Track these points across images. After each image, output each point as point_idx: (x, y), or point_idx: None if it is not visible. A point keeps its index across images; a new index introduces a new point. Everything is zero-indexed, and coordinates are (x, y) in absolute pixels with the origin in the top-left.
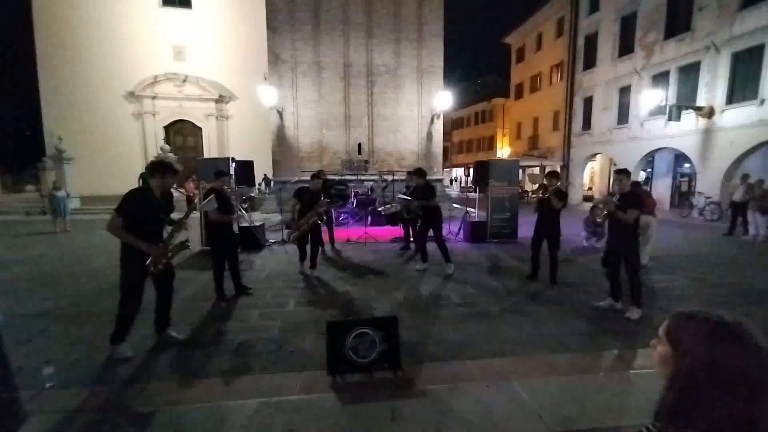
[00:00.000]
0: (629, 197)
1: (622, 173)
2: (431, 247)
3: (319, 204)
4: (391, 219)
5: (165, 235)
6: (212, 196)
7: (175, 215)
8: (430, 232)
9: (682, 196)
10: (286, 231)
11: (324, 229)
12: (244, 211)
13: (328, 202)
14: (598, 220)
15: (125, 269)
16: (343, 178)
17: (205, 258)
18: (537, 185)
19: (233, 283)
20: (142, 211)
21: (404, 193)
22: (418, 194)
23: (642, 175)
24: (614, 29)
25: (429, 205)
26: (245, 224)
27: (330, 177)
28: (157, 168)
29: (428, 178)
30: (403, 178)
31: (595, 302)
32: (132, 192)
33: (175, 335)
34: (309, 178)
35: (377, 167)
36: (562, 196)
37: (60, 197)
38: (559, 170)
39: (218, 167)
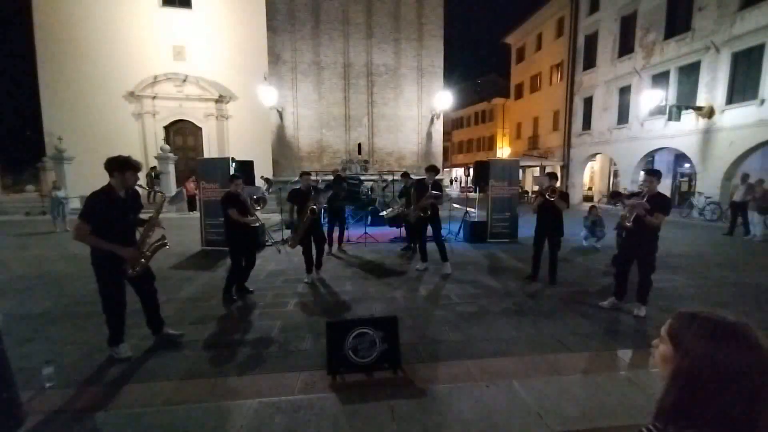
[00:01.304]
0: (658, 200)
1: (653, 174)
2: (431, 247)
3: (311, 199)
4: (395, 221)
5: (138, 235)
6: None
7: (144, 215)
8: (428, 232)
9: (682, 196)
10: (287, 231)
11: (334, 228)
12: (257, 212)
13: (315, 196)
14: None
15: (100, 275)
16: (357, 174)
17: (205, 258)
18: (545, 186)
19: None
20: (108, 212)
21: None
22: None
23: (642, 175)
24: (614, 29)
25: (437, 203)
26: (256, 224)
27: (347, 174)
28: (113, 165)
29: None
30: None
31: (598, 301)
32: (94, 194)
33: (173, 333)
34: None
35: (377, 167)
36: (566, 197)
37: (60, 197)
38: (558, 171)
39: (218, 167)
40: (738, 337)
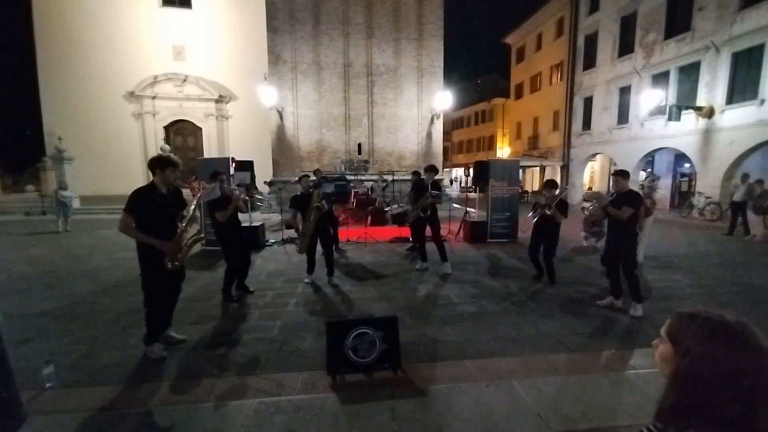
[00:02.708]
0: (627, 196)
1: (619, 174)
2: (431, 247)
3: (315, 196)
4: (398, 219)
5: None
6: (215, 184)
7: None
8: (428, 232)
9: (682, 196)
10: (286, 231)
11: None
12: (240, 192)
13: (319, 191)
14: (585, 213)
15: (144, 268)
16: (342, 174)
17: (206, 258)
18: (543, 203)
19: (236, 283)
20: (150, 208)
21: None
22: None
23: (642, 175)
24: (614, 29)
25: (436, 203)
26: (256, 222)
27: (329, 174)
28: (156, 163)
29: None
30: (404, 178)
31: (596, 301)
32: (138, 190)
33: (175, 335)
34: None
35: (377, 167)
36: (564, 208)
37: (67, 197)
38: (558, 176)
39: (218, 167)
40: (737, 336)
